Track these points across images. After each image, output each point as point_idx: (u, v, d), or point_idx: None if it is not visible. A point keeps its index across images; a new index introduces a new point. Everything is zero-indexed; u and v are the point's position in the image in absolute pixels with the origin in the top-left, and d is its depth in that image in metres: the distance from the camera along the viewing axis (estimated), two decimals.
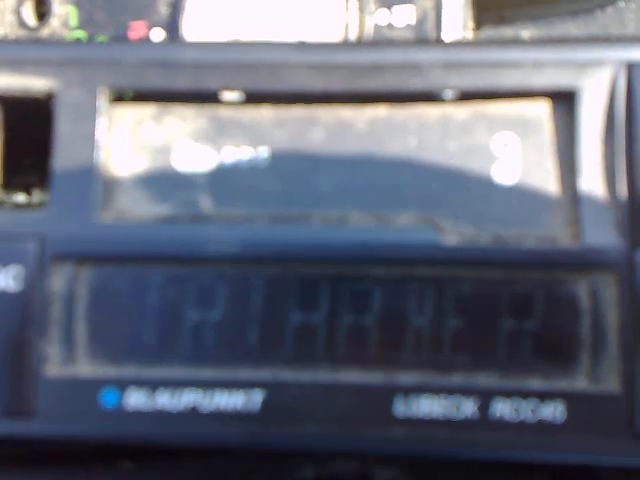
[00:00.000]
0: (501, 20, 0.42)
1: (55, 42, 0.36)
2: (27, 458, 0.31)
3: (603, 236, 0.30)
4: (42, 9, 0.43)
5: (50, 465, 0.31)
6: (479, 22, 0.42)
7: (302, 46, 0.32)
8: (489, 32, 0.42)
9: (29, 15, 0.43)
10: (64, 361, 0.30)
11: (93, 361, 0.30)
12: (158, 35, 0.41)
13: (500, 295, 0.30)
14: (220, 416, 0.30)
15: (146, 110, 0.32)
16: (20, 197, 0.38)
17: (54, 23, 0.43)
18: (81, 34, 0.42)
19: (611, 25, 0.41)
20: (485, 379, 0.30)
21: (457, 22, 0.40)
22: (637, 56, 0.31)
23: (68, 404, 0.30)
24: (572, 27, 0.42)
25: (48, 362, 0.30)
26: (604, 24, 0.41)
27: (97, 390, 0.30)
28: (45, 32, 0.43)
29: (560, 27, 0.42)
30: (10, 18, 0.44)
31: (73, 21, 0.42)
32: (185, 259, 0.31)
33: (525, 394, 0.30)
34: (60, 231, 0.31)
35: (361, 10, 0.40)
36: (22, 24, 0.43)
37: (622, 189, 0.30)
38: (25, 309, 0.30)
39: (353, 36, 0.40)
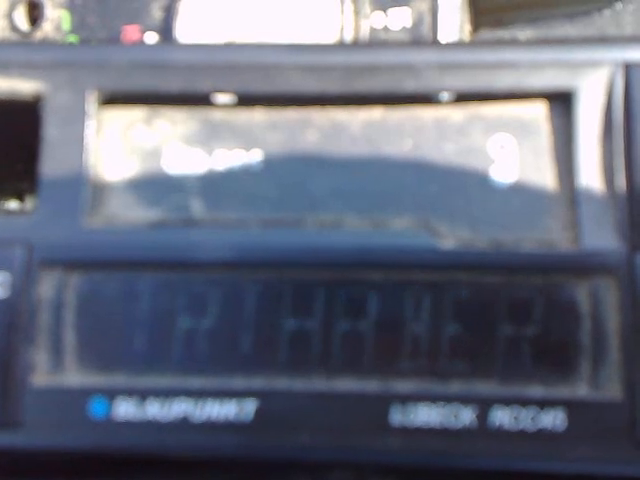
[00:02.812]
0: (498, 23, 0.42)
1: (43, 44, 0.36)
2: (13, 470, 0.31)
3: (602, 239, 0.29)
4: (35, 14, 0.43)
5: (37, 477, 0.31)
6: (476, 25, 0.42)
7: (295, 47, 0.32)
8: (486, 35, 0.42)
9: (21, 20, 0.43)
10: (52, 370, 0.30)
11: (82, 370, 0.30)
12: (152, 39, 0.41)
13: (498, 300, 0.30)
14: (212, 426, 0.29)
15: (136, 113, 0.32)
16: (12, 204, 0.38)
17: (47, 28, 0.43)
18: (74, 38, 0.42)
19: (608, 27, 0.41)
20: (484, 387, 0.29)
21: (453, 25, 0.40)
22: (634, 56, 0.31)
23: (56, 414, 0.29)
24: (570, 29, 0.42)
25: (35, 371, 0.30)
26: (601, 26, 0.41)
27: (86, 400, 0.30)
28: (38, 37, 0.43)
29: (558, 29, 0.41)
30: (2, 23, 0.43)
31: (66, 25, 0.42)
32: (176, 265, 0.30)
33: (525, 402, 0.29)
34: (48, 237, 0.30)
35: (356, 13, 0.40)
36: (14, 29, 0.43)
37: (621, 190, 0.30)
38: (12, 316, 0.30)
39: (349, 39, 0.40)
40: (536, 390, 0.29)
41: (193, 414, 0.30)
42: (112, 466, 0.30)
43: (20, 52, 0.32)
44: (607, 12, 0.41)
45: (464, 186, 0.31)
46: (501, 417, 0.29)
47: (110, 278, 0.30)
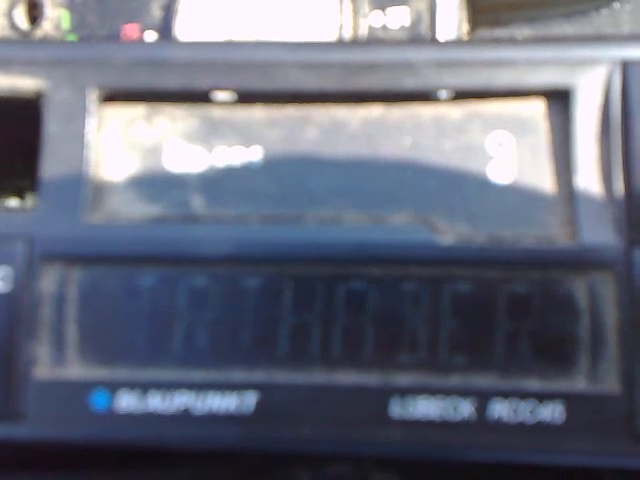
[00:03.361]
0: (496, 22, 0.42)
1: (44, 42, 0.36)
2: (15, 462, 0.31)
3: (600, 234, 0.30)
4: (34, 12, 0.43)
5: (39, 469, 0.31)
6: (474, 24, 0.42)
7: (295, 45, 0.32)
8: (484, 34, 0.42)
9: (21, 18, 0.43)
10: (54, 363, 0.30)
11: (83, 363, 0.30)
12: (151, 38, 0.41)
13: (497, 295, 0.30)
14: (213, 418, 0.29)
15: (136, 110, 0.32)
16: (12, 202, 0.38)
17: (46, 27, 0.43)
18: (73, 38, 0.42)
19: (606, 26, 0.41)
20: (482, 380, 0.30)
21: (451, 24, 0.40)
22: (632, 54, 0.31)
23: (58, 407, 0.30)
24: (567, 29, 0.42)
25: (37, 364, 0.30)
26: (599, 25, 0.41)
27: (87, 392, 0.30)
28: (37, 36, 0.43)
29: (555, 29, 0.42)
30: (2, 21, 0.43)
31: (66, 24, 0.42)
32: (177, 260, 0.30)
33: (523, 395, 0.29)
34: (49, 232, 0.30)
35: (355, 12, 0.40)
36: (14, 27, 0.43)
37: (618, 187, 0.30)
38: (14, 310, 0.30)
39: (347, 38, 0.40)
40: (534, 383, 0.29)
41: (194, 407, 0.30)
42: (114, 458, 0.30)
43: (21, 50, 0.32)
44: (604, 11, 0.41)
45: (463, 183, 0.31)
46: (500, 410, 0.29)
47: (111, 273, 0.30)
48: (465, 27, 0.41)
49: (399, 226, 0.30)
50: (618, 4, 0.41)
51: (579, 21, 0.42)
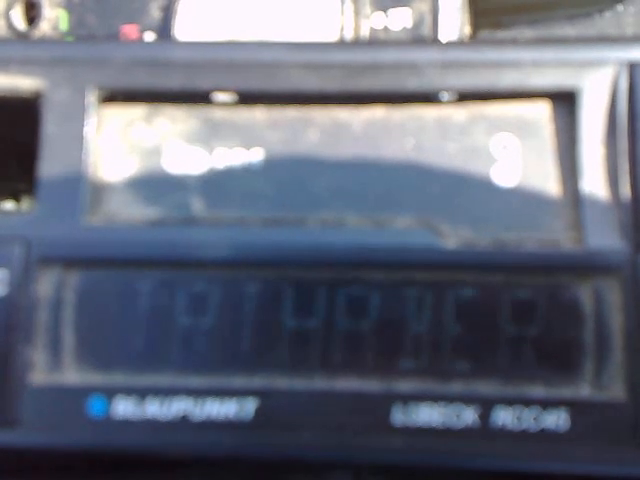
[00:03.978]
0: (498, 25, 0.42)
1: (43, 41, 0.35)
2: (11, 469, 0.30)
3: (606, 239, 0.29)
4: (32, 13, 0.43)
5: (35, 476, 0.31)
6: (475, 26, 0.42)
7: (296, 46, 0.32)
8: (486, 36, 0.42)
9: (19, 19, 0.43)
10: (50, 368, 0.30)
11: (80, 368, 0.30)
12: (150, 39, 0.41)
13: (501, 300, 0.29)
14: (212, 425, 0.29)
15: (136, 111, 0.31)
16: (8, 205, 0.37)
17: (44, 27, 0.42)
18: (71, 39, 0.42)
19: (609, 29, 0.41)
20: (486, 387, 0.29)
21: (454, 26, 0.40)
22: (639, 56, 0.30)
23: (54, 413, 0.29)
24: (570, 31, 0.41)
25: (33, 369, 0.29)
26: (602, 28, 0.41)
27: (84, 398, 0.29)
28: (35, 36, 0.42)
29: (558, 31, 0.41)
30: None
31: (63, 25, 0.42)
32: (176, 263, 0.30)
33: (527, 402, 0.29)
34: (47, 234, 0.30)
35: (357, 13, 0.40)
36: (11, 28, 0.43)
37: (625, 191, 0.29)
38: (10, 314, 0.29)
39: (349, 39, 0.40)
40: (539, 390, 0.29)
41: (193, 413, 0.29)
42: (111, 465, 0.30)
43: (20, 49, 0.32)
44: (608, 14, 0.41)
45: (466, 185, 0.30)
46: (504, 417, 0.29)
47: (109, 276, 0.30)
48: (467, 29, 0.41)
49: (402, 229, 0.30)
50: (621, 6, 0.41)
51: (582, 23, 0.41)
